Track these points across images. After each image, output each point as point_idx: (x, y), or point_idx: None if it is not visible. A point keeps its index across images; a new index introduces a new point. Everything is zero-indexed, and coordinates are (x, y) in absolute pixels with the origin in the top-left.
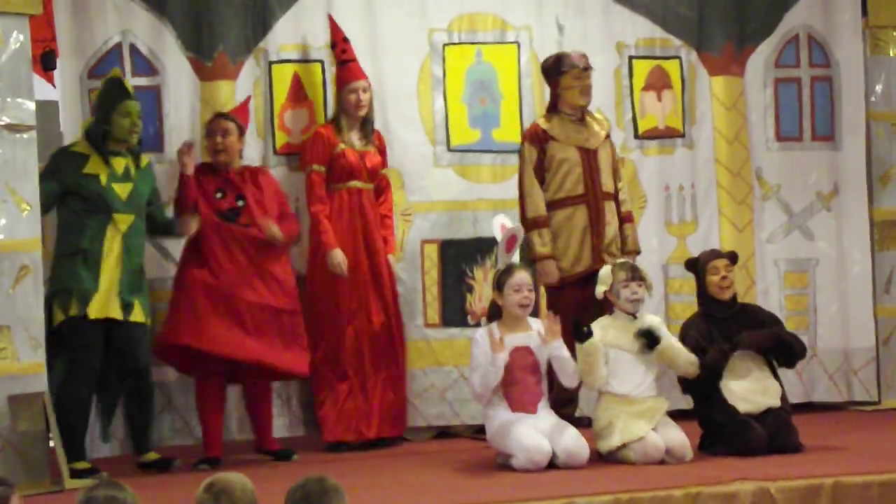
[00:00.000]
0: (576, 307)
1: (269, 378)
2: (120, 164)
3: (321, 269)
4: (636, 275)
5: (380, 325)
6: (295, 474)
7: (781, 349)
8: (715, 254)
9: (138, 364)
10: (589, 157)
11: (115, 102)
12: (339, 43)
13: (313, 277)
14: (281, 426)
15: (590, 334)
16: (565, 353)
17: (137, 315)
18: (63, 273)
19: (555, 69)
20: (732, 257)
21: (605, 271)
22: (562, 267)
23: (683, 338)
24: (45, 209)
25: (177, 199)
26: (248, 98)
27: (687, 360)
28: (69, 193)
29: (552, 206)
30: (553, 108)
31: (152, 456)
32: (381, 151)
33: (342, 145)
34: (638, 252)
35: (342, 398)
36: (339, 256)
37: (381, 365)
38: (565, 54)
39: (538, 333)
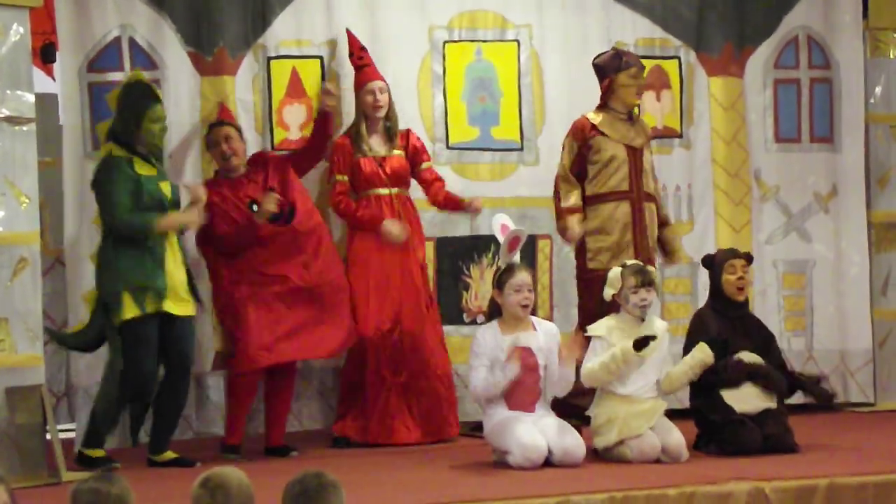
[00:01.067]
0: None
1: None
2: (155, 164)
3: (351, 280)
4: (646, 279)
5: (415, 334)
6: (293, 469)
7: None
8: (732, 253)
9: (189, 361)
10: (635, 155)
11: (145, 109)
12: (356, 52)
13: (355, 280)
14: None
15: (642, 348)
16: (572, 377)
17: (189, 309)
18: (132, 269)
19: (612, 66)
20: (749, 258)
21: (614, 274)
22: (600, 260)
23: (700, 330)
24: (129, 212)
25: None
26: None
27: (686, 377)
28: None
29: (596, 199)
30: (604, 105)
31: (169, 455)
32: (412, 151)
33: (358, 155)
34: (682, 257)
35: (369, 404)
36: (391, 224)
37: (417, 373)
38: (622, 51)
39: (559, 349)
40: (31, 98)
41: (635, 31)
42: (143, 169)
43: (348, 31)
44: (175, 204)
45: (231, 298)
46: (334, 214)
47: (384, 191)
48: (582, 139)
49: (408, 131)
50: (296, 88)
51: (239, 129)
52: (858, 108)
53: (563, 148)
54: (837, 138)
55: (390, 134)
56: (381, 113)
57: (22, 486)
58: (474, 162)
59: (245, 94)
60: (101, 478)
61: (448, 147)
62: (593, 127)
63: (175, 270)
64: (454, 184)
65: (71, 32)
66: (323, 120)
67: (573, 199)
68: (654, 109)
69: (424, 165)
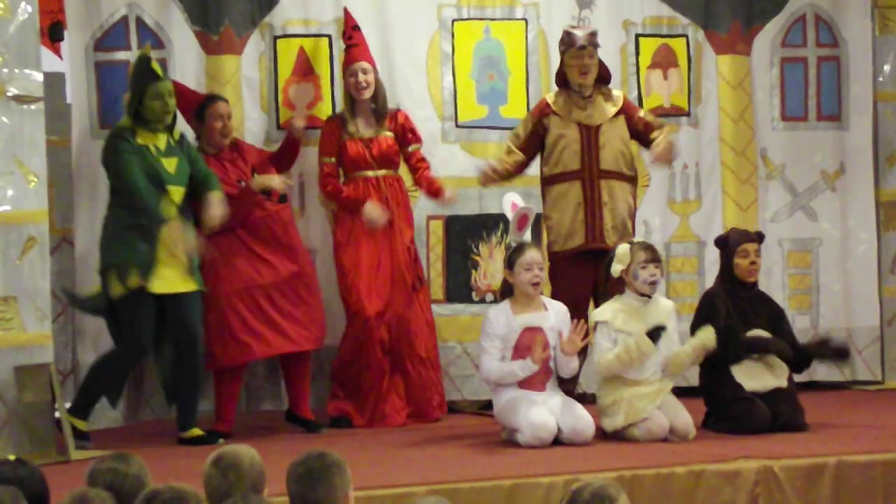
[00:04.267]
0: (574, 282)
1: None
2: (161, 139)
3: (345, 261)
4: (655, 256)
5: (401, 316)
6: (302, 448)
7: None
8: (746, 236)
9: (195, 337)
10: (589, 134)
11: (145, 85)
12: (347, 30)
13: (341, 263)
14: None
15: (657, 338)
16: (575, 363)
17: (194, 284)
18: (120, 248)
19: (560, 46)
20: (760, 238)
21: (622, 250)
22: (555, 242)
23: (709, 308)
24: (144, 185)
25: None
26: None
27: (689, 360)
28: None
29: (550, 181)
30: (562, 83)
31: (196, 432)
32: (401, 132)
33: (344, 136)
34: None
35: (363, 389)
36: (373, 207)
37: (403, 356)
38: (569, 32)
39: (560, 339)
40: (39, 77)
41: (643, 10)
42: (144, 139)
43: (346, 10)
44: (177, 179)
45: (217, 292)
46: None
47: (370, 172)
48: (537, 117)
49: (397, 112)
50: (302, 67)
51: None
52: (866, 86)
53: (522, 121)
54: (845, 116)
55: (377, 115)
56: (366, 94)
57: None
58: (483, 140)
59: (251, 72)
60: (119, 457)
61: (457, 125)
62: (547, 106)
63: (168, 248)
64: (463, 162)
65: (78, 11)
66: (292, 144)
67: (500, 160)
68: (662, 88)
69: (412, 148)
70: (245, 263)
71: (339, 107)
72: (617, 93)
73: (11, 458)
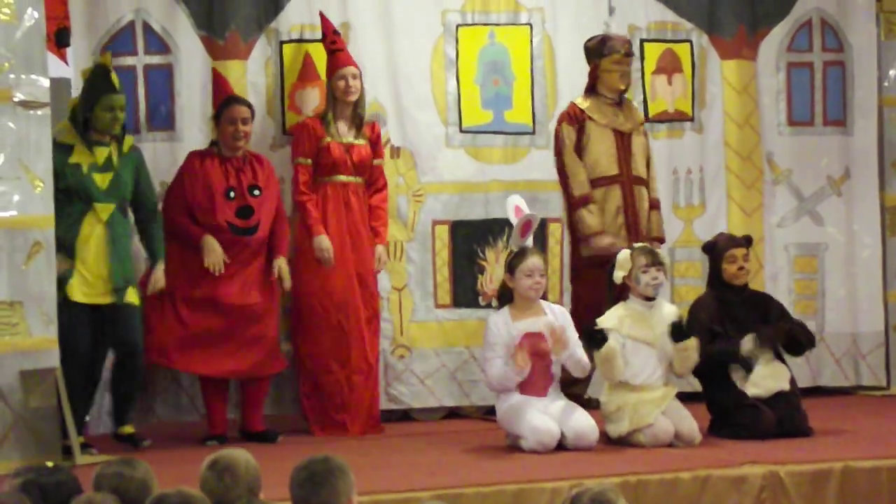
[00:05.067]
0: (601, 288)
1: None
2: (102, 153)
3: (307, 261)
4: (656, 259)
5: (364, 320)
6: (300, 452)
7: (791, 343)
8: (733, 241)
9: (133, 347)
10: (623, 140)
11: (99, 95)
12: (328, 35)
13: (299, 269)
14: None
15: (604, 340)
16: (578, 354)
17: (131, 297)
18: (58, 255)
19: (596, 51)
20: (748, 241)
21: (623, 256)
22: (588, 244)
23: (693, 318)
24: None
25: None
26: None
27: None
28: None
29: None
30: (591, 90)
31: (128, 430)
32: (374, 143)
33: (327, 138)
34: (662, 240)
35: (326, 392)
36: (325, 242)
37: (361, 360)
38: (609, 37)
39: (549, 320)
40: (46, 82)
41: (647, 15)
42: (78, 158)
43: (321, 14)
44: (108, 196)
45: (170, 287)
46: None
47: (346, 178)
48: (577, 124)
49: (374, 123)
50: (309, 72)
51: (253, 112)
52: (872, 91)
53: (559, 137)
54: (850, 121)
55: (357, 121)
56: (352, 99)
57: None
58: (487, 145)
59: (257, 77)
60: (125, 462)
61: (461, 130)
62: (582, 112)
63: (92, 261)
64: (468, 167)
65: (85, 17)
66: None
67: (585, 185)
68: (666, 93)
69: (377, 161)
70: (210, 278)
71: None
72: (637, 108)
73: (50, 464)
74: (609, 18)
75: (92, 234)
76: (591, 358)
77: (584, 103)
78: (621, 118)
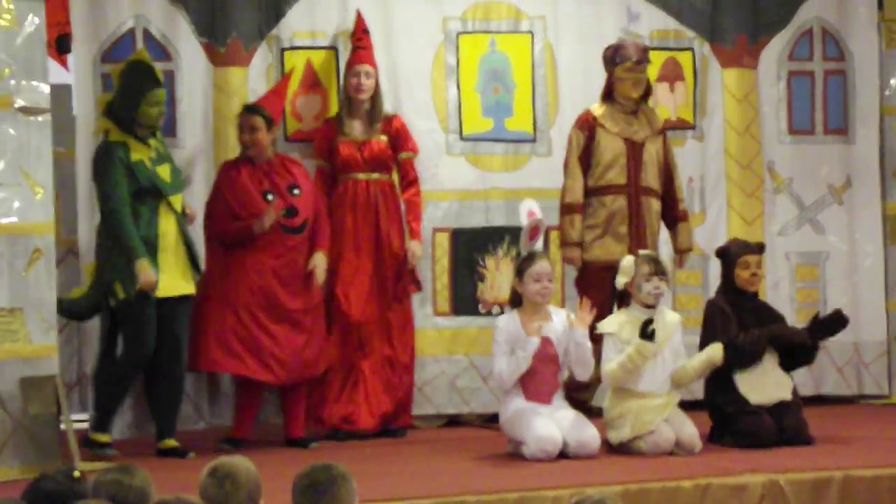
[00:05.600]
0: (602, 295)
1: None
2: (155, 145)
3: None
4: (659, 269)
5: (382, 318)
6: (303, 459)
7: (803, 350)
8: (747, 248)
9: (180, 343)
10: (635, 149)
11: (145, 91)
12: (358, 32)
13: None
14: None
15: (653, 335)
16: (588, 343)
17: (191, 286)
18: (120, 260)
19: (610, 59)
20: (761, 248)
21: (627, 262)
22: (596, 253)
23: (714, 315)
24: (125, 205)
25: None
26: (285, 78)
27: (696, 374)
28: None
29: (594, 192)
30: (608, 97)
31: (171, 443)
32: (396, 136)
33: (340, 137)
34: (691, 249)
35: (335, 390)
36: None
37: (380, 357)
38: (622, 45)
39: (567, 317)
40: (46, 89)
41: (650, 23)
42: (138, 153)
43: (358, 13)
44: (175, 187)
45: (217, 291)
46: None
47: (361, 175)
48: (589, 131)
49: (393, 117)
50: (310, 80)
51: (270, 121)
52: (873, 99)
53: (569, 141)
54: (851, 130)
55: (372, 118)
56: (364, 96)
57: (36, 475)
58: (488, 153)
59: (258, 84)
60: (122, 469)
61: (462, 138)
62: (595, 119)
63: (172, 253)
64: (468, 174)
65: (86, 23)
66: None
67: (577, 194)
68: (668, 101)
69: (404, 155)
70: (259, 279)
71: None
72: (659, 115)
73: (76, 474)
74: (628, 25)
75: (169, 228)
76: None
77: (598, 110)
78: (635, 126)
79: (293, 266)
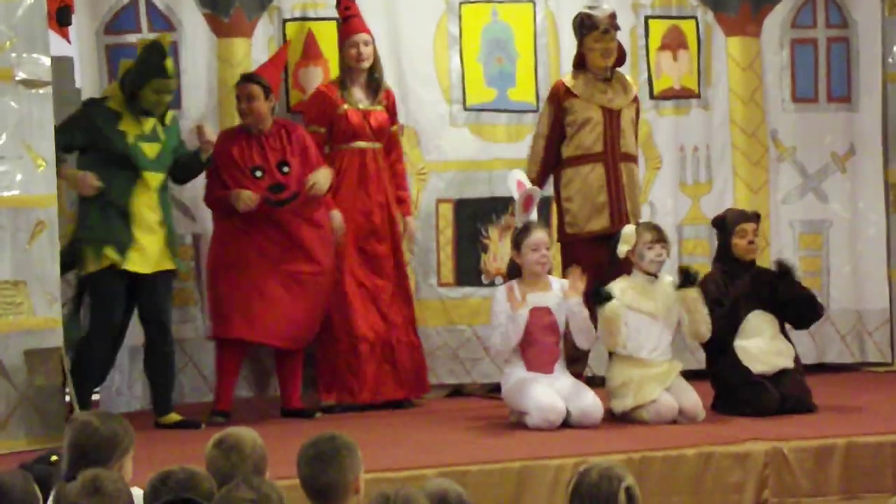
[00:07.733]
0: (590, 266)
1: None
2: (149, 123)
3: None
4: (661, 236)
5: (383, 288)
6: (307, 430)
7: (810, 306)
8: (743, 216)
9: (167, 316)
10: (612, 116)
11: (151, 76)
12: (343, 1)
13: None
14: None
15: (609, 298)
16: (584, 311)
17: (170, 262)
18: (95, 222)
19: (578, 29)
20: (757, 217)
21: (628, 230)
22: (577, 224)
23: (703, 288)
24: (60, 156)
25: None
26: (282, 49)
27: (704, 320)
28: (93, 146)
29: (570, 162)
30: (580, 65)
31: (174, 417)
32: (390, 109)
33: (345, 105)
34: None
35: (337, 359)
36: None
37: (380, 328)
38: (589, 14)
39: (560, 288)
40: (47, 61)
41: None
42: (125, 126)
43: None
44: (155, 165)
45: (232, 257)
46: None
47: (366, 144)
48: (557, 103)
49: (388, 90)
50: (312, 51)
51: (268, 89)
52: (876, 67)
53: (539, 119)
54: (855, 98)
55: (373, 87)
56: (365, 65)
57: (41, 447)
58: (491, 123)
59: (263, 56)
60: (99, 414)
61: (465, 108)
62: (567, 90)
63: (147, 229)
64: (471, 145)
65: None
66: (200, 165)
67: (532, 174)
68: (672, 70)
69: (394, 128)
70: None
71: None
72: (632, 82)
73: (54, 458)
74: None
75: (144, 203)
76: (594, 323)
77: (570, 81)
78: (610, 94)
79: (294, 232)
